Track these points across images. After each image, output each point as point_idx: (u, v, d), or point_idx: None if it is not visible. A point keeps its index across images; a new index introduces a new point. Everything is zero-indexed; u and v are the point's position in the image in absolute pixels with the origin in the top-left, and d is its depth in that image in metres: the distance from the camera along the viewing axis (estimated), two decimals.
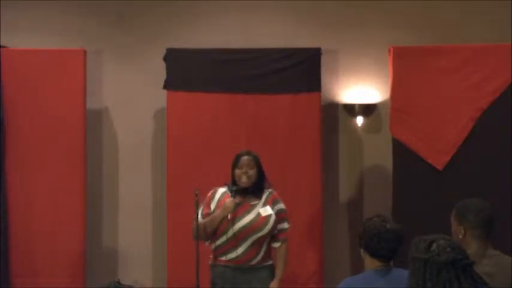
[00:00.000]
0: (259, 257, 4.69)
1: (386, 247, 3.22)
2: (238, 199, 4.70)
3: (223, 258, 4.71)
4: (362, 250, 3.32)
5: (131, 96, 6.46)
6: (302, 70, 6.10)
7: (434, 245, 2.42)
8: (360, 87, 6.40)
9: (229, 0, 6.46)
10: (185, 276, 5.67)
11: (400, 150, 5.92)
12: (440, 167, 5.89)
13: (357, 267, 6.13)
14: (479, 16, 6.35)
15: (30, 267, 5.99)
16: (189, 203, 5.17)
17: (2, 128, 6.01)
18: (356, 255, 6.01)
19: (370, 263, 3.27)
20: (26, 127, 6.04)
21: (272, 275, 4.77)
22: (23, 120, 6.04)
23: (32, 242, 6.00)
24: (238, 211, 4.69)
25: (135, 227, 6.38)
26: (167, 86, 6.10)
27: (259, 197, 4.76)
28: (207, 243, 4.81)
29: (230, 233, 4.66)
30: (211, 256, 4.81)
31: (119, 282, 6.17)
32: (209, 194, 4.84)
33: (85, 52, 6.12)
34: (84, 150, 6.06)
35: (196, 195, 4.98)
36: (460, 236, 3.39)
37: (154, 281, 6.35)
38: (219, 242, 4.72)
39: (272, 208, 4.74)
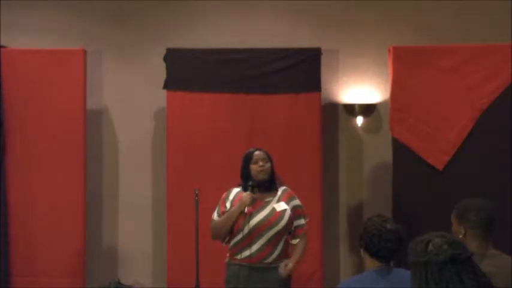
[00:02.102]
0: (274, 255, 4.63)
1: (386, 247, 3.21)
2: (255, 194, 4.67)
3: (238, 256, 4.67)
4: (362, 250, 3.31)
5: (131, 96, 6.46)
6: (302, 70, 6.10)
7: (430, 245, 2.41)
8: (360, 87, 6.40)
9: (229, 0, 6.46)
10: (185, 276, 5.68)
11: (400, 150, 5.93)
12: (440, 167, 5.90)
13: (356, 267, 6.14)
14: (479, 16, 6.35)
15: (30, 267, 5.99)
16: (189, 203, 5.18)
17: (2, 128, 6.01)
18: (356, 255, 6.01)
19: (370, 263, 3.27)
20: (26, 127, 6.04)
21: (288, 276, 4.69)
22: (23, 120, 6.04)
23: (32, 242, 6.00)
24: (253, 207, 4.65)
25: (135, 227, 6.38)
26: (167, 86, 6.10)
27: (273, 194, 4.73)
28: (224, 243, 4.76)
29: (246, 229, 4.63)
30: (227, 254, 4.78)
31: (119, 282, 6.18)
32: (223, 195, 4.80)
33: (85, 52, 6.12)
34: (84, 150, 6.06)
35: (196, 195, 4.99)
36: (461, 236, 3.39)
37: (154, 281, 6.35)
38: (235, 240, 4.67)
39: (288, 204, 4.70)
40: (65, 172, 6.01)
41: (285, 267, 4.61)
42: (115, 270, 6.38)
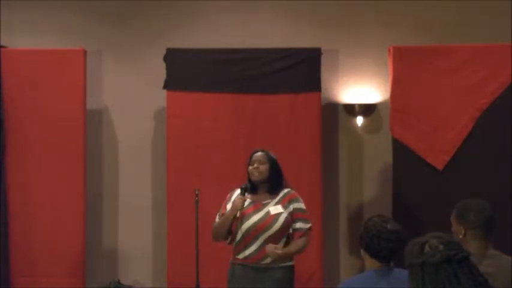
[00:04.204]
0: None
1: (387, 248, 3.21)
2: (248, 197, 4.66)
3: (239, 256, 4.65)
4: (362, 250, 3.31)
5: (131, 96, 6.46)
6: (302, 70, 6.10)
7: (426, 247, 2.42)
8: (360, 87, 6.40)
9: (229, 0, 6.46)
10: (185, 276, 5.68)
11: (400, 150, 5.93)
12: (440, 167, 5.90)
13: (356, 267, 6.14)
14: (479, 16, 6.35)
15: (30, 267, 5.99)
16: (189, 203, 5.18)
17: (2, 127, 6.01)
18: (356, 255, 6.01)
19: (371, 263, 3.27)
20: (26, 127, 6.04)
21: (289, 277, 4.66)
22: (23, 120, 6.05)
23: (32, 242, 6.00)
24: (247, 210, 4.63)
25: (135, 227, 6.38)
26: (167, 86, 6.10)
27: (274, 196, 4.69)
28: (228, 243, 4.73)
29: (239, 233, 4.63)
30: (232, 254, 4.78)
31: (119, 282, 6.18)
32: (228, 196, 4.77)
33: (85, 52, 6.12)
34: (84, 150, 6.06)
35: (197, 195, 4.99)
36: (460, 236, 3.39)
37: (154, 281, 6.35)
38: (235, 240, 4.67)
39: (287, 207, 4.64)
40: (65, 172, 6.01)
41: (274, 248, 4.52)
42: (115, 270, 6.37)
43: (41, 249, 5.99)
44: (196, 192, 4.98)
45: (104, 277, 6.23)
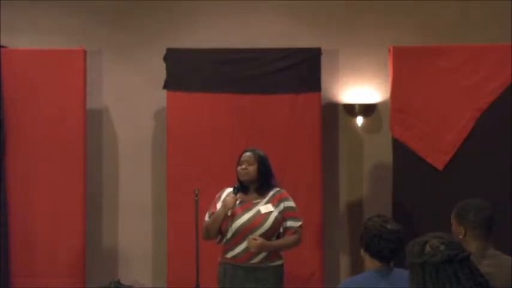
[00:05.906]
0: (261, 256, 4.62)
1: (387, 248, 3.21)
2: (239, 196, 4.68)
3: (228, 255, 4.68)
4: (362, 250, 3.31)
5: (131, 96, 6.46)
6: (302, 70, 6.09)
7: (427, 246, 2.42)
8: (360, 87, 6.40)
9: (230, 1, 6.46)
10: (185, 276, 5.68)
11: (400, 150, 5.93)
12: (440, 167, 5.90)
13: (356, 268, 6.14)
14: (479, 16, 6.35)
15: (30, 267, 5.99)
16: (189, 203, 5.18)
17: (2, 128, 6.01)
18: (356, 255, 6.01)
19: (371, 263, 3.27)
20: (26, 127, 6.04)
21: (279, 276, 4.69)
22: (23, 120, 6.04)
23: (32, 242, 6.00)
24: (238, 209, 4.66)
25: (135, 227, 6.38)
26: (167, 86, 6.10)
27: (263, 195, 4.72)
28: (217, 243, 4.76)
29: (229, 232, 4.65)
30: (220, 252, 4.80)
31: (119, 282, 6.18)
32: (217, 195, 4.82)
33: (85, 52, 6.12)
34: (84, 150, 6.06)
35: (196, 195, 4.99)
36: (461, 236, 3.40)
37: (154, 281, 6.35)
38: (225, 239, 4.70)
39: (277, 206, 4.68)
40: (65, 172, 6.01)
41: (253, 239, 4.56)
42: (115, 270, 6.38)
43: (41, 249, 5.99)
44: (196, 192, 4.98)
45: (104, 277, 6.24)
